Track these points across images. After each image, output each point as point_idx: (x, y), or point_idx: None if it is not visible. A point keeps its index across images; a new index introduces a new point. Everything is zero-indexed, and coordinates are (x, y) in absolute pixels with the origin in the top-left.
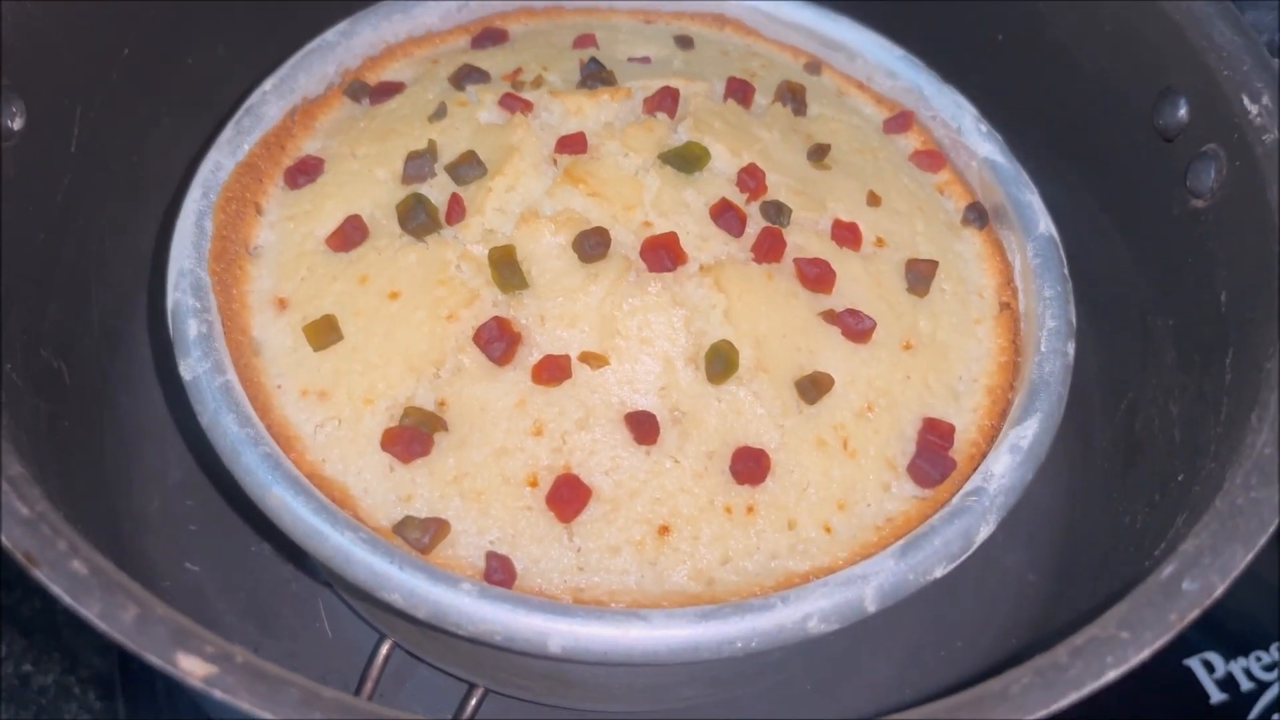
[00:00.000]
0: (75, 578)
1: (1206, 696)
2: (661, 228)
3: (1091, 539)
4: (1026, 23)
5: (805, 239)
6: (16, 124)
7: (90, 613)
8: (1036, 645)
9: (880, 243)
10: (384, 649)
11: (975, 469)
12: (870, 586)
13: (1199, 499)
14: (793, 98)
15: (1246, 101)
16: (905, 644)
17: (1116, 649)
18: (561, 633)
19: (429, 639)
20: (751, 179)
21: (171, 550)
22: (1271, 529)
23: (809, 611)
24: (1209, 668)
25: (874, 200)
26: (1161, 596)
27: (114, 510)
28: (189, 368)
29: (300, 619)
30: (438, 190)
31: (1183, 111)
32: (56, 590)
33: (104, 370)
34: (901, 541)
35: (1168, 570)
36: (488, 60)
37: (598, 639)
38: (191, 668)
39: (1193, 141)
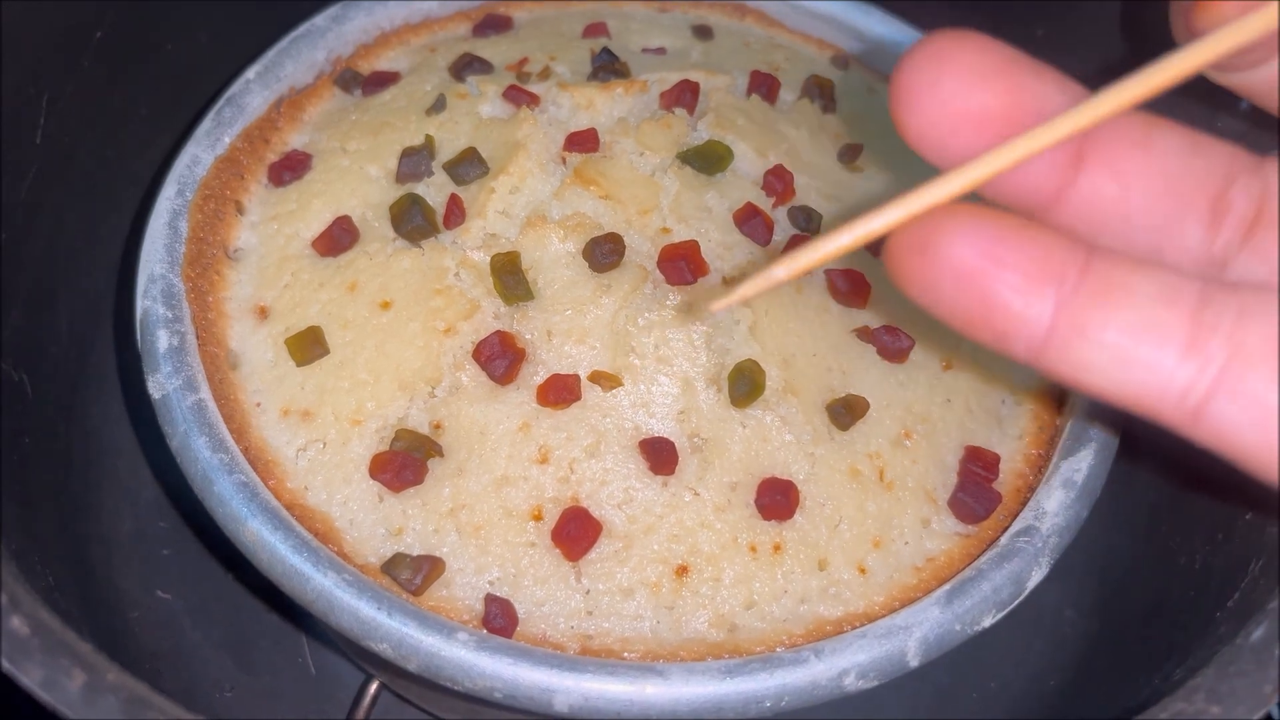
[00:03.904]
0: (14, 638)
1: None
2: (681, 235)
3: (1138, 575)
4: (1067, 16)
5: None
6: None
7: (30, 680)
8: (1076, 687)
9: None
10: (371, 689)
11: (1023, 504)
12: (913, 638)
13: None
14: (820, 93)
15: None
16: (934, 684)
17: None
18: (569, 690)
19: (421, 684)
20: (779, 181)
21: (143, 577)
22: None
23: (846, 666)
24: None
25: None
26: (1253, 665)
27: (81, 533)
28: (158, 384)
29: (282, 654)
30: (435, 190)
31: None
32: None
33: (72, 381)
34: (946, 587)
35: (1257, 633)
36: (490, 49)
37: (609, 697)
38: None
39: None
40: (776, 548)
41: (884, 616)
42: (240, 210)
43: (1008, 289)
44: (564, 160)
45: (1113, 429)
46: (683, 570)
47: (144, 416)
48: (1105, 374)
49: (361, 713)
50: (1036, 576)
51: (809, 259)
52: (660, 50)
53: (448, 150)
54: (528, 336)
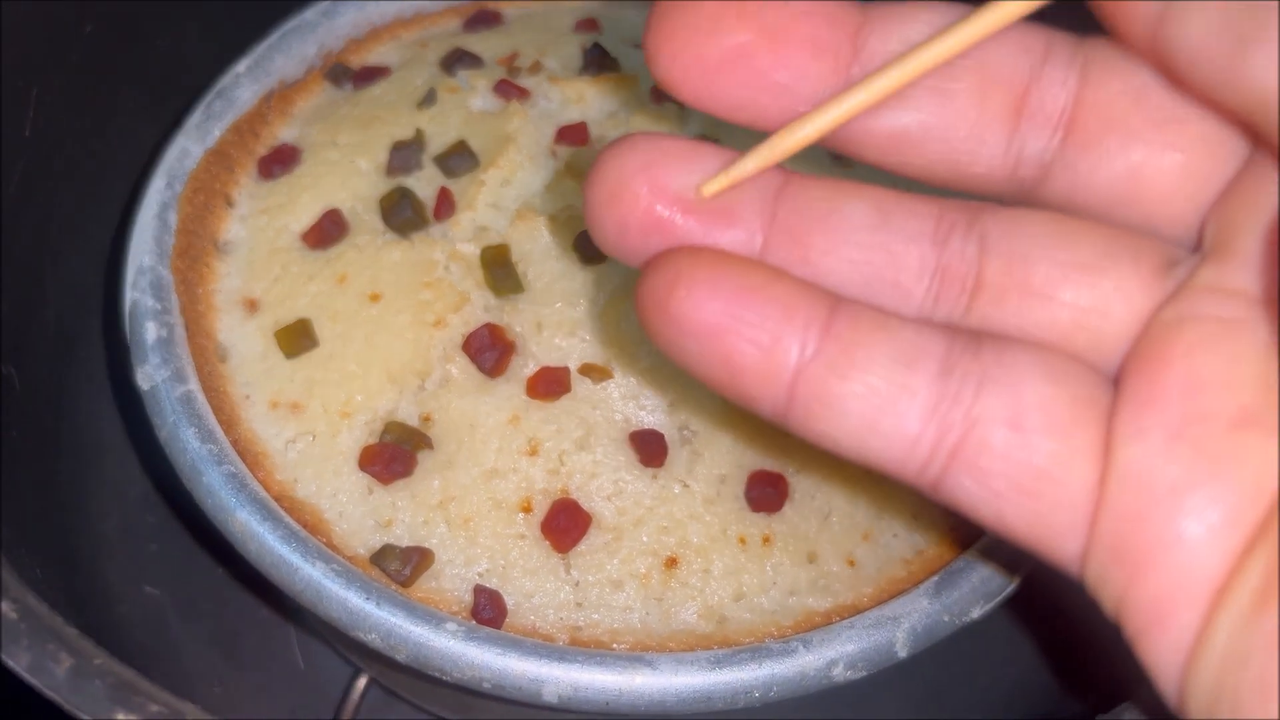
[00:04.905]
0: (2, 623)
1: None
2: None
3: None
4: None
5: None
6: None
7: (18, 664)
8: (1069, 682)
9: None
10: (360, 683)
11: None
12: (902, 629)
13: None
14: None
15: None
16: (925, 679)
17: None
18: (558, 680)
19: (409, 677)
20: None
21: (130, 571)
22: None
23: (834, 657)
24: None
25: None
26: None
27: (68, 528)
28: (146, 375)
29: (270, 648)
30: (425, 183)
31: None
32: None
33: (59, 376)
34: (935, 578)
35: None
36: (481, 44)
37: (599, 687)
38: None
39: None
40: (766, 540)
41: (872, 608)
42: (229, 203)
43: (749, 350)
44: (554, 154)
45: None
46: (672, 562)
47: (132, 410)
48: (846, 443)
49: (350, 707)
50: (1026, 568)
51: (785, 146)
52: None
53: (438, 144)
54: (517, 329)
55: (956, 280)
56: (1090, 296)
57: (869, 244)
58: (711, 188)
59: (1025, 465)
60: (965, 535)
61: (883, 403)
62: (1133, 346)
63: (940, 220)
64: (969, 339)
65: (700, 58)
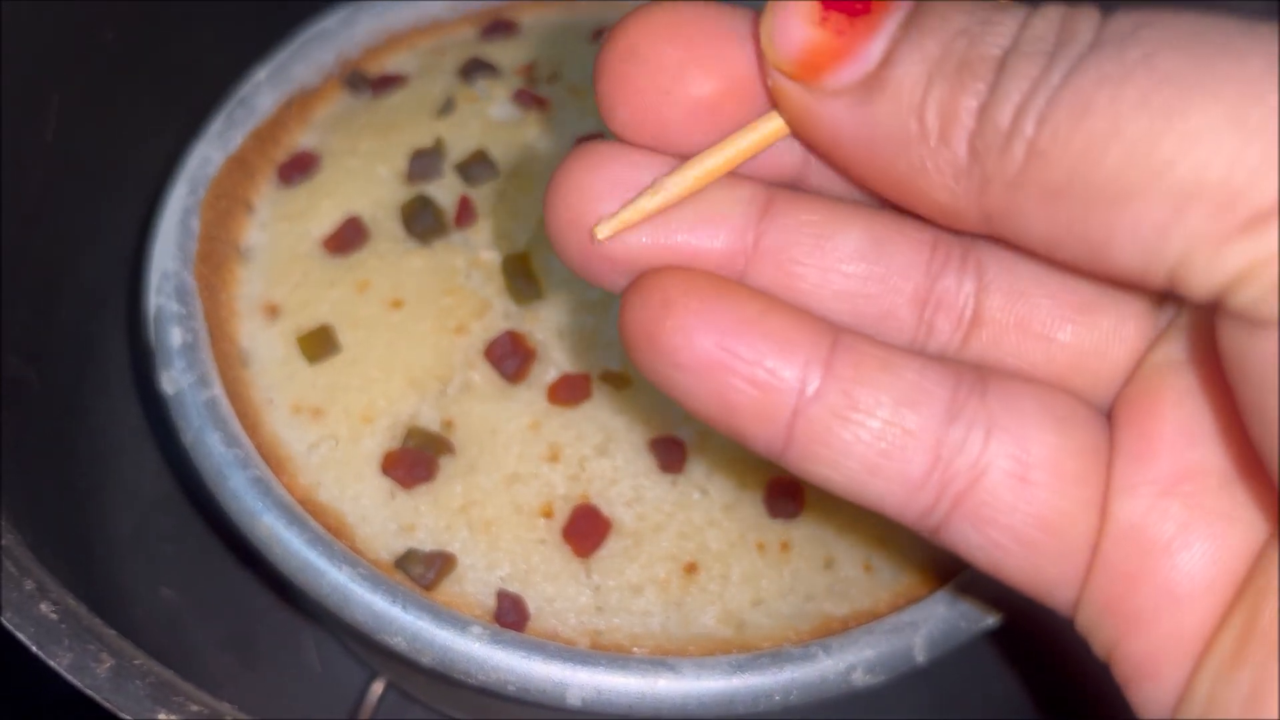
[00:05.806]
0: (43, 623)
1: None
2: None
3: None
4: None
5: None
6: None
7: (59, 664)
8: (1084, 693)
9: None
10: (376, 687)
11: None
12: (920, 634)
13: None
14: None
15: None
16: (938, 687)
17: None
18: (582, 683)
19: (427, 681)
20: None
21: (146, 573)
22: None
23: (853, 662)
24: None
25: None
26: None
27: (84, 531)
28: (171, 380)
29: (286, 651)
30: (445, 191)
31: None
32: (22, 638)
33: (77, 378)
34: (952, 584)
35: None
36: (498, 52)
37: (622, 691)
38: None
39: None
40: (784, 546)
41: (890, 614)
42: (250, 209)
43: (745, 389)
44: None
45: None
46: (691, 568)
47: (151, 413)
48: (845, 485)
49: (367, 710)
50: None
51: (682, 185)
52: None
53: (458, 152)
54: (539, 336)
55: (952, 314)
56: (1089, 338)
57: (862, 275)
58: (604, 232)
59: (1030, 518)
60: None
61: (887, 447)
62: (1125, 388)
63: (935, 248)
64: (975, 379)
65: (662, 115)
